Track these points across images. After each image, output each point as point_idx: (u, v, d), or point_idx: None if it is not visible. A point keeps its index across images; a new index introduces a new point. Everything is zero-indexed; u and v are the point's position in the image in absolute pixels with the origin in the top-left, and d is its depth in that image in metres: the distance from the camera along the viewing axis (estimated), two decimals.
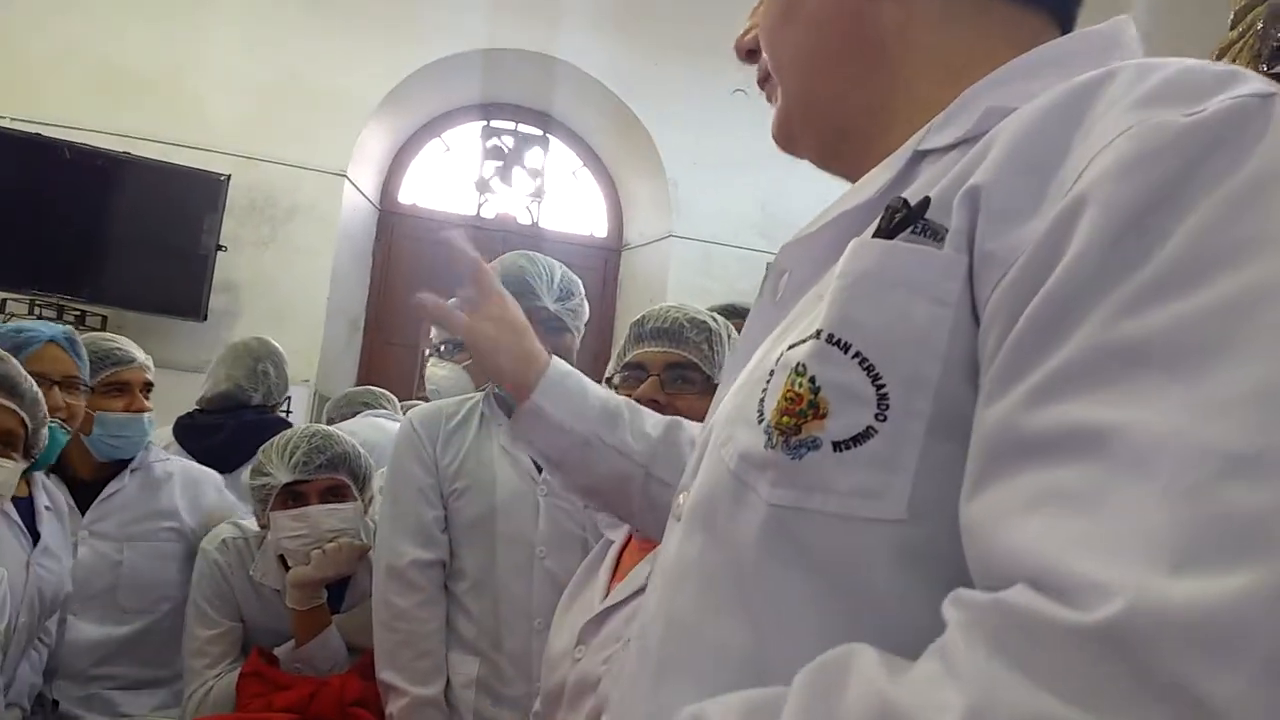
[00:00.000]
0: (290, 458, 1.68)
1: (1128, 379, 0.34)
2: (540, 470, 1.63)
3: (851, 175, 0.61)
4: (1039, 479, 0.35)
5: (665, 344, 1.36)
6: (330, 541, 1.66)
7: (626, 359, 1.39)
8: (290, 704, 1.52)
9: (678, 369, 1.35)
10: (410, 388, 4.12)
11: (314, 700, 1.54)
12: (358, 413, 2.76)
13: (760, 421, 0.48)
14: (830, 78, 0.59)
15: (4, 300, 3.60)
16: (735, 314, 1.88)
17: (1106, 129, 0.40)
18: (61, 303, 3.66)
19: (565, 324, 1.67)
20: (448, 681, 1.57)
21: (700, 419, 1.31)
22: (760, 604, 0.46)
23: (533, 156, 4.93)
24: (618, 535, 1.42)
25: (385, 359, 4.54)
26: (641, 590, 1.18)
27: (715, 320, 1.41)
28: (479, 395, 1.72)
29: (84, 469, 1.85)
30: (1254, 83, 0.39)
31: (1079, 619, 0.31)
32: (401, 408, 2.95)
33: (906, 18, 0.56)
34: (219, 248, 3.79)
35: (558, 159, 4.97)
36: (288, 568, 1.69)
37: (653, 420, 1.01)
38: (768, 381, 0.49)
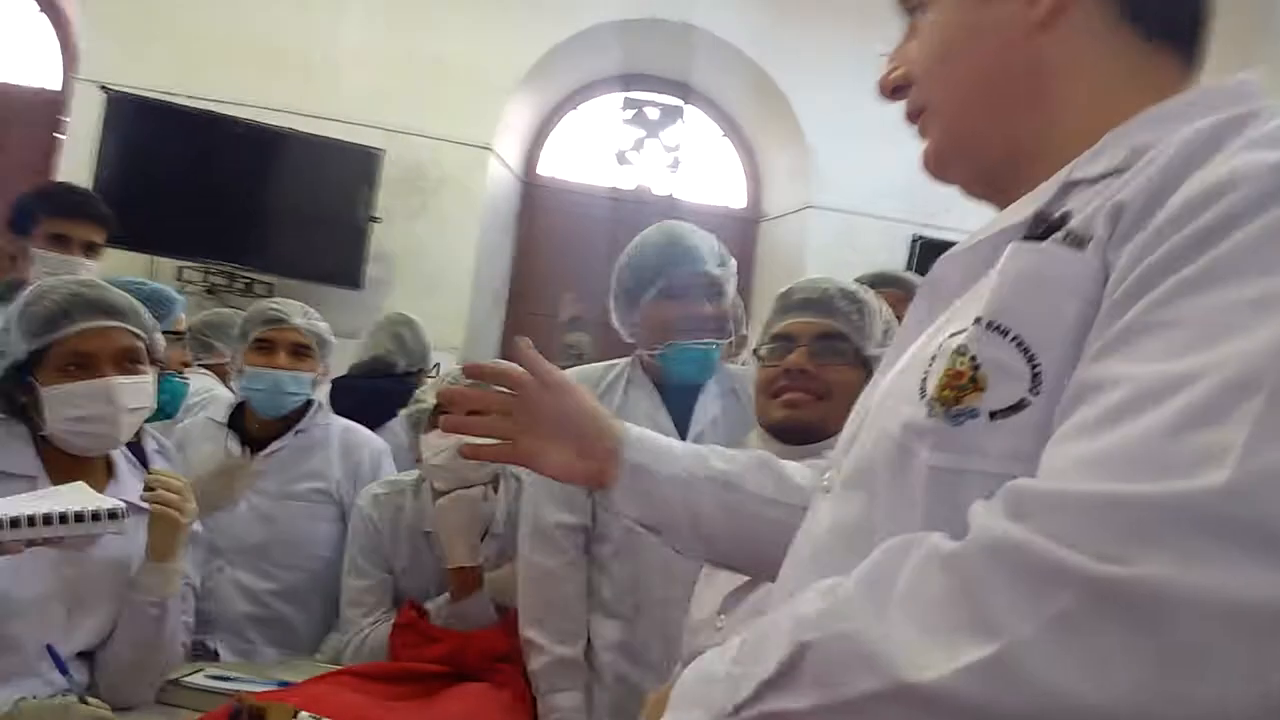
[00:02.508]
0: (440, 382, 1.80)
1: (1145, 346, 0.46)
2: (683, 437, 1.63)
3: (999, 203, 0.67)
4: (1076, 417, 0.47)
5: (815, 314, 1.34)
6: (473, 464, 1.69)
7: (774, 330, 1.37)
8: (440, 656, 1.59)
9: (828, 339, 1.32)
10: (550, 357, 4.21)
11: (462, 653, 1.60)
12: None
13: (923, 398, 0.56)
14: (988, 114, 0.66)
15: (180, 268, 3.87)
16: (888, 283, 1.82)
17: (1217, 165, 0.49)
18: (233, 270, 3.91)
19: (725, 289, 1.65)
20: (590, 644, 1.61)
21: (849, 390, 1.30)
22: None
23: (672, 127, 4.92)
24: None
25: (527, 328, 4.64)
26: None
27: (865, 291, 1.37)
28: (625, 361, 1.73)
29: (256, 427, 1.97)
30: None
31: (1054, 485, 0.45)
32: None
33: (1065, 59, 0.63)
34: (373, 219, 3.96)
35: (697, 128, 4.94)
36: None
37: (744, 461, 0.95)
38: (929, 366, 0.57)
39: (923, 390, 0.56)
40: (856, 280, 1.61)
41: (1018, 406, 0.52)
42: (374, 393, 2.50)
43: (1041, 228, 0.56)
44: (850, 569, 0.54)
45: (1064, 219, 0.55)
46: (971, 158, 0.68)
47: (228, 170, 3.81)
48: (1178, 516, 0.40)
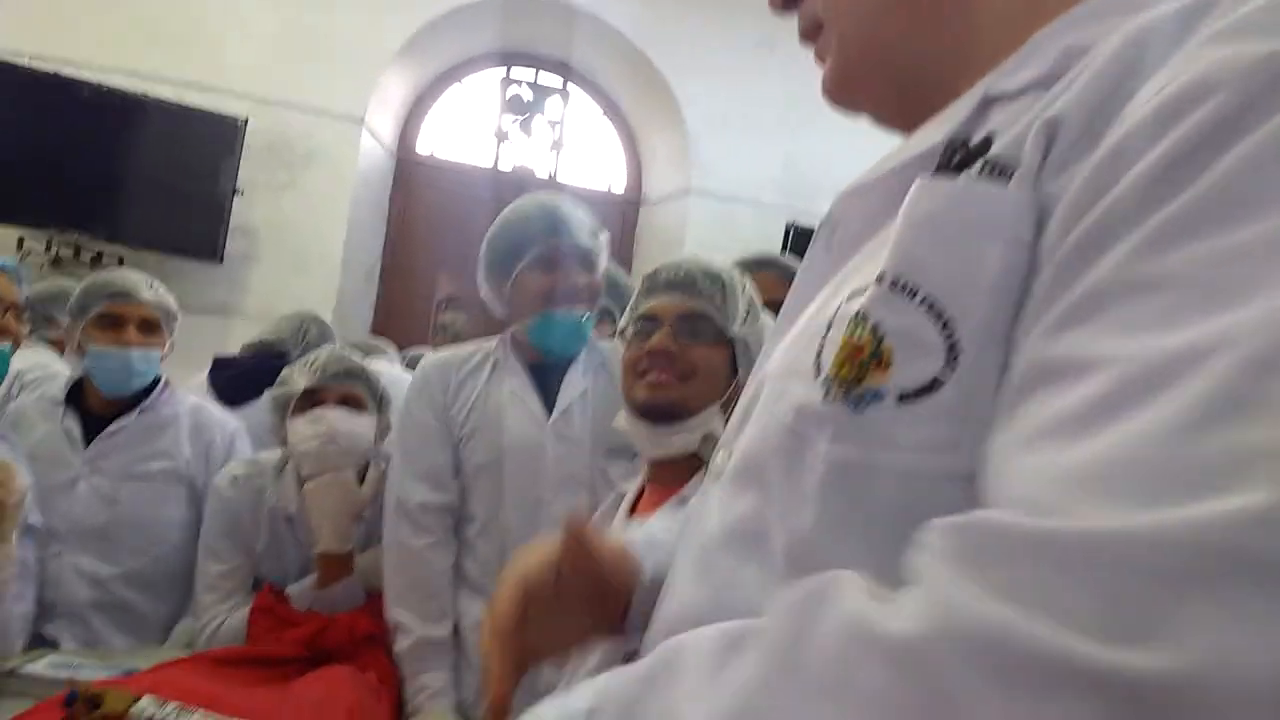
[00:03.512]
0: (310, 366, 1.74)
1: (1134, 311, 0.34)
2: (550, 413, 1.63)
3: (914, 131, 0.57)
4: (1041, 409, 0.35)
5: (678, 295, 1.36)
6: (342, 450, 1.68)
7: (639, 311, 1.38)
8: (300, 639, 1.55)
9: (690, 320, 1.34)
10: (424, 336, 4.14)
11: (323, 635, 1.56)
12: None
13: (818, 375, 0.46)
14: (898, 20, 0.54)
15: (21, 238, 3.61)
16: (765, 265, 1.85)
17: (1181, 62, 0.37)
18: (79, 242, 3.67)
19: (596, 261, 1.65)
20: (457, 623, 1.60)
21: (713, 370, 1.34)
22: (814, 568, 0.41)
23: (552, 107, 4.89)
24: (631, 486, 1.43)
25: (400, 307, 4.54)
26: None
27: (728, 271, 1.40)
28: (494, 341, 1.72)
29: (98, 405, 1.86)
30: None
31: (1042, 525, 0.31)
32: (407, 356, 2.99)
33: None
34: (236, 191, 3.79)
35: (577, 110, 4.92)
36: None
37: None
38: (825, 334, 0.47)
39: (818, 367, 0.47)
40: (736, 263, 1.64)
41: (931, 387, 0.42)
42: (252, 370, 2.42)
43: (955, 158, 0.46)
44: (742, 579, 0.48)
45: (984, 145, 0.45)
46: (879, 76, 0.57)
47: (75, 135, 3.57)
48: (1219, 558, 0.27)
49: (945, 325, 0.41)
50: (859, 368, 0.44)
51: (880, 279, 0.44)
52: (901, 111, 0.57)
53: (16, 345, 1.72)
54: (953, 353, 0.41)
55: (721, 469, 0.56)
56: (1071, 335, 0.36)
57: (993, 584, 0.31)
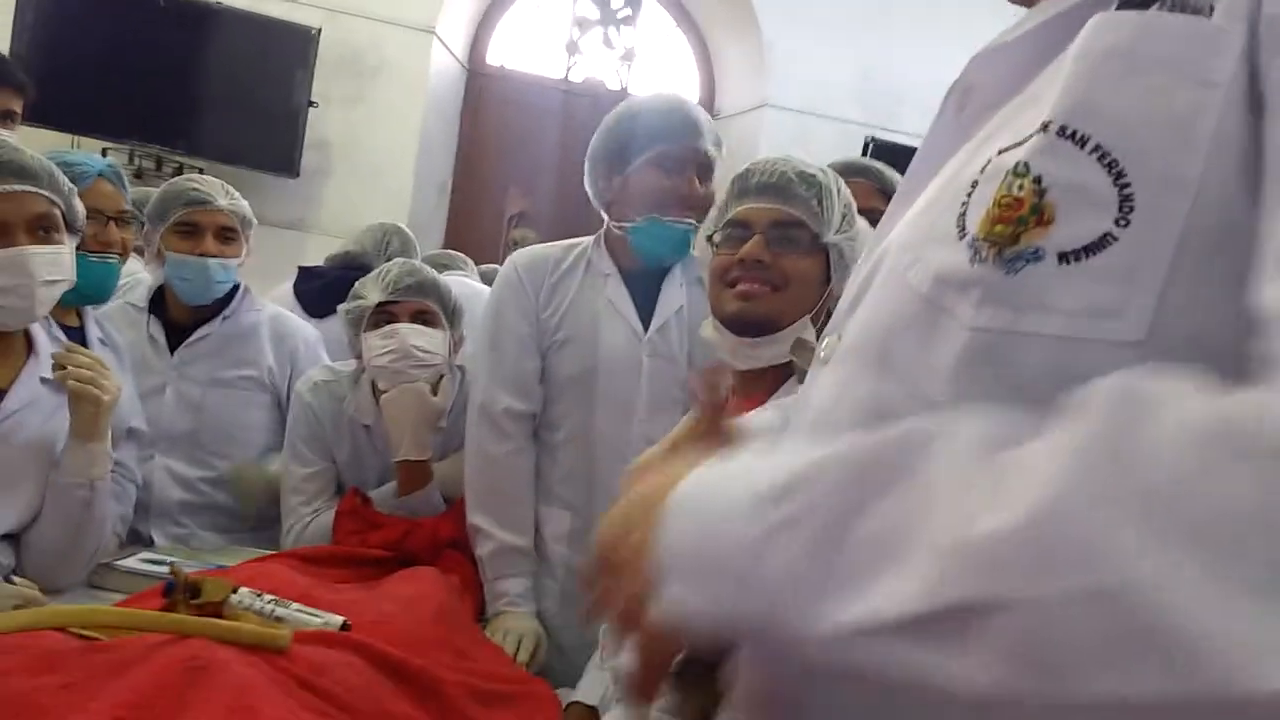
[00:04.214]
0: (382, 279, 1.72)
1: None
2: (646, 328, 1.59)
3: None
4: None
5: (772, 199, 1.29)
6: (416, 364, 1.67)
7: (729, 215, 1.32)
8: (385, 541, 1.57)
9: (783, 227, 1.28)
10: (496, 251, 4.13)
11: (408, 539, 1.58)
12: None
13: (962, 237, 0.42)
14: None
15: (105, 150, 3.66)
16: (857, 172, 1.76)
17: None
18: (160, 154, 3.72)
19: (713, 173, 1.57)
20: (540, 534, 1.59)
21: (806, 280, 1.28)
22: None
23: (624, 16, 4.74)
24: None
25: (471, 222, 4.53)
26: None
27: (825, 173, 1.33)
28: (588, 241, 1.66)
29: (179, 313, 1.88)
30: None
31: None
32: (481, 272, 2.98)
33: None
34: (310, 104, 3.78)
35: (649, 20, 4.77)
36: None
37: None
38: (969, 193, 0.43)
39: (961, 227, 0.43)
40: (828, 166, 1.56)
41: (1098, 244, 0.38)
42: (336, 281, 2.43)
43: None
44: None
45: None
46: None
47: (154, 47, 3.60)
48: None
49: (1119, 176, 0.38)
50: (1016, 225, 0.40)
51: (1045, 126, 0.40)
52: None
53: (125, 255, 1.73)
54: (1125, 206, 0.37)
55: (830, 353, 0.53)
56: None
57: None
